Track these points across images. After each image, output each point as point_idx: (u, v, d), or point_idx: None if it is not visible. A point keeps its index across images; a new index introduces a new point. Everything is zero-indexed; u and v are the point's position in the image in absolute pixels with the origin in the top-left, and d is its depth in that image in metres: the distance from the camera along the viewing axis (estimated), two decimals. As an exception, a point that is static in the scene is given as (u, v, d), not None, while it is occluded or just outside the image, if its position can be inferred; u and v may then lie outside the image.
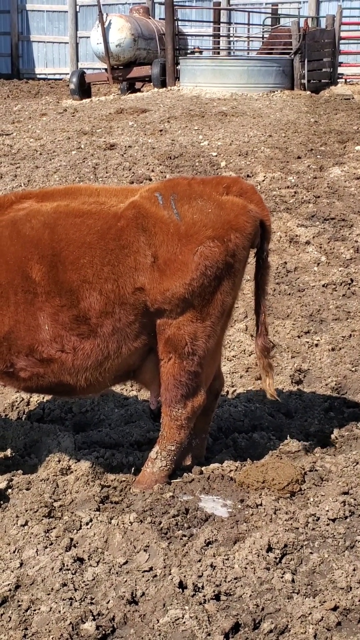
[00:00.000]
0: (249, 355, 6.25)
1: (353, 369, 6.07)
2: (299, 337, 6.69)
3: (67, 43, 29.39)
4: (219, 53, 24.24)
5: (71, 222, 4.27)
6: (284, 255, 8.64)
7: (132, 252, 4.23)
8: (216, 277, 4.26)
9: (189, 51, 22.58)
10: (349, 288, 7.74)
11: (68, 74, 25.33)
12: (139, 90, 21.75)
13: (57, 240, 4.25)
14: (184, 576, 3.62)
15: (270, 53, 20.79)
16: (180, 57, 20.47)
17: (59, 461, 4.68)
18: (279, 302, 7.48)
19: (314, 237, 9.03)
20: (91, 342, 4.29)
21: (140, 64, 21.35)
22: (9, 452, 4.89)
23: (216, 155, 12.86)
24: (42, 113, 17.93)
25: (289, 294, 7.71)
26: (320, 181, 11.29)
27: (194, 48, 23.31)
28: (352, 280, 7.88)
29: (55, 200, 4.40)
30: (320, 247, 8.79)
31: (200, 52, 23.16)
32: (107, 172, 11.85)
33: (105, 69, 21.58)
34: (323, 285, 7.82)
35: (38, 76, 29.57)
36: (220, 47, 24.87)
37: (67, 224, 4.27)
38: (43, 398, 5.52)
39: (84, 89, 21.27)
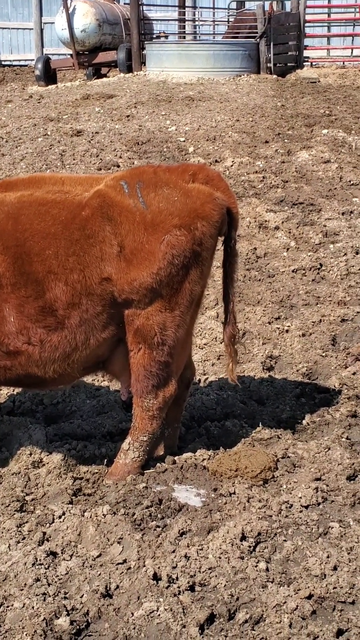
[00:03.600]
0: (221, 343, 6.22)
1: (323, 354, 6.07)
2: (269, 323, 6.68)
3: (32, 29, 29.03)
4: (184, 37, 24.12)
5: (35, 212, 4.20)
6: (254, 241, 8.61)
7: (97, 241, 4.18)
8: (184, 266, 4.23)
9: (154, 36, 22.44)
10: (318, 273, 7.74)
11: (33, 60, 25.05)
12: (105, 75, 21.59)
13: (21, 230, 4.19)
14: (158, 568, 3.60)
15: (236, 37, 20.72)
16: (146, 42, 20.34)
17: (31, 454, 4.63)
18: (249, 289, 7.46)
19: (282, 222, 9.01)
20: (58, 334, 4.24)
21: (106, 49, 21.17)
22: (-21, 446, 4.82)
23: (184, 141, 12.79)
24: (7, 100, 17.73)
25: (259, 280, 7.69)
26: (288, 165, 11.28)
27: (160, 33, 23.16)
28: (321, 265, 7.88)
29: (19, 189, 4.33)
30: (290, 232, 8.78)
31: (166, 37, 23.03)
32: (74, 159, 11.73)
33: (71, 55, 21.38)
34: (293, 271, 7.81)
35: (3, 63, 29.19)
36: (186, 32, 24.74)
37: (30, 214, 4.20)
38: (13, 390, 5.47)
39: (49, 75, 21.05)
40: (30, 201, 4.22)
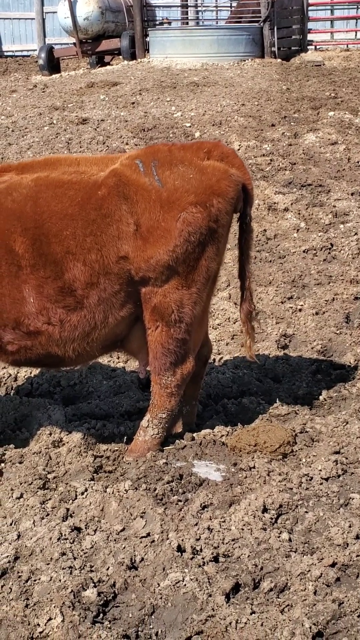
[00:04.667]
0: (234, 323, 6.26)
1: (338, 332, 6.09)
2: (282, 302, 6.70)
3: (34, 19, 28.99)
4: (187, 23, 24.06)
5: (52, 194, 4.23)
6: (263, 223, 8.63)
7: (114, 221, 4.21)
8: (200, 243, 4.25)
9: (157, 22, 22.39)
10: (329, 253, 7.76)
11: (35, 50, 25.03)
12: (108, 63, 21.56)
13: (39, 212, 4.21)
14: (182, 540, 3.64)
15: (239, 22, 20.66)
16: (149, 29, 20.29)
17: (50, 434, 4.68)
18: (260, 270, 7.48)
19: (292, 203, 9.03)
20: (77, 313, 4.27)
21: (109, 37, 21.14)
22: (-1, 427, 4.88)
23: (190, 126, 12.79)
24: (11, 90, 17.72)
25: (270, 261, 7.71)
26: (296, 148, 11.28)
27: (163, 19, 23.11)
28: (332, 245, 7.89)
29: (35, 171, 4.35)
30: (299, 214, 8.79)
31: (169, 23, 22.98)
32: (80, 147, 11.75)
33: (74, 43, 21.35)
34: (304, 251, 7.82)
35: (5, 54, 29.18)
36: (189, 17, 24.68)
37: (48, 196, 4.23)
38: (30, 373, 5.51)
39: (52, 64, 21.04)
40: (47, 183, 4.24)
